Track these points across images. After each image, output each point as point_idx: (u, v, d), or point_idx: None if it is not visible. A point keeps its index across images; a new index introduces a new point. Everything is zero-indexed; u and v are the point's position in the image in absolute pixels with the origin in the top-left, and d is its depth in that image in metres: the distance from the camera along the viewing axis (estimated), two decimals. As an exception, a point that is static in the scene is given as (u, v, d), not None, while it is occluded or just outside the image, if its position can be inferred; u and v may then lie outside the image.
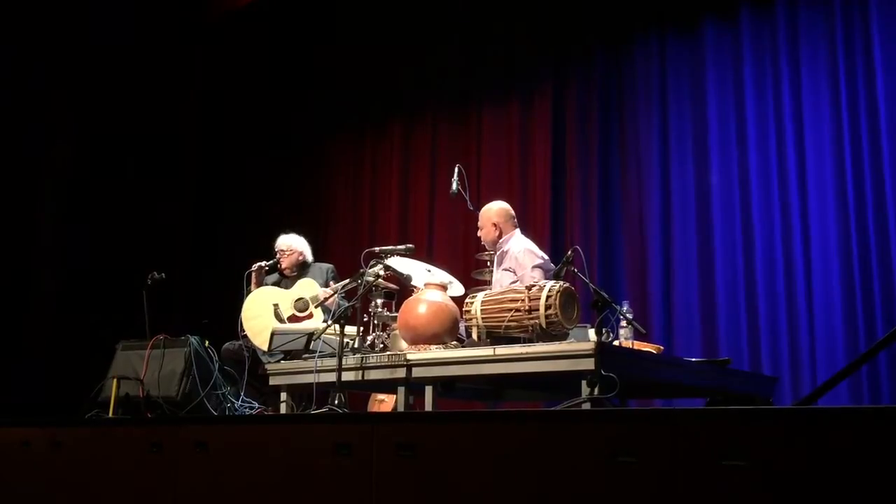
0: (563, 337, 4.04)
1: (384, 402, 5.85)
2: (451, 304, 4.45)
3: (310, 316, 5.45)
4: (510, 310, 4.07)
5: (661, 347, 4.62)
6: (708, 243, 6.21)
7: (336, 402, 4.04)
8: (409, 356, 4.14)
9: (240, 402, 5.01)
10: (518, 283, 4.60)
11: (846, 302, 5.58)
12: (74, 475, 4.23)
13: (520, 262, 4.79)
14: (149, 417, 4.80)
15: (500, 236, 4.98)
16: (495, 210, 5.03)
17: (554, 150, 7.04)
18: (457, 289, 4.94)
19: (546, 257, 4.88)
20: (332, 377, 4.14)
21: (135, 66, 8.46)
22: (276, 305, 5.45)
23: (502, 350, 3.89)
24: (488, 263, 4.93)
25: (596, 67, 6.98)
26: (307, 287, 5.56)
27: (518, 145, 7.29)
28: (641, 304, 6.19)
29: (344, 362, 4.16)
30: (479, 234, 5.06)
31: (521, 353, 3.82)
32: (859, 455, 2.07)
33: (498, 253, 4.99)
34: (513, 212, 5.07)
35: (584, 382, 3.54)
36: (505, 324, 4.07)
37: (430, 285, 4.56)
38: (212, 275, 8.06)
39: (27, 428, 4.71)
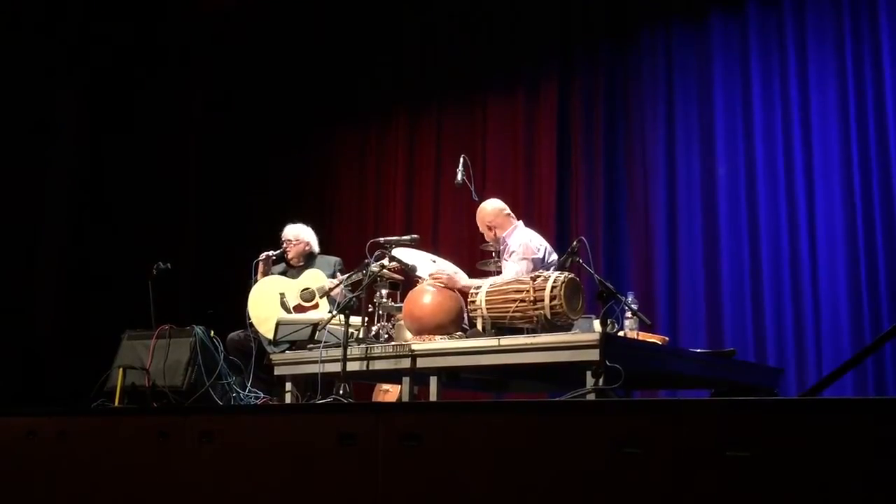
0: (567, 328, 4.04)
1: (389, 393, 5.86)
2: (456, 294, 4.46)
3: (315, 306, 5.45)
4: (515, 300, 4.08)
5: (666, 338, 4.62)
6: (713, 234, 6.20)
7: (341, 392, 4.04)
8: (413, 346, 4.15)
9: (245, 392, 5.02)
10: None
11: (852, 293, 5.56)
12: (80, 465, 4.24)
13: (511, 251, 4.77)
14: (154, 407, 4.81)
15: (496, 235, 4.94)
16: (488, 211, 4.95)
17: (559, 142, 7.02)
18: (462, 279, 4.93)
19: (539, 252, 4.75)
20: (337, 367, 4.15)
21: (138, 59, 8.46)
22: (282, 294, 5.45)
23: (507, 341, 3.90)
24: (493, 254, 4.93)
25: (602, 58, 6.95)
26: (314, 277, 5.56)
27: (523, 136, 7.27)
28: (646, 295, 6.17)
29: (349, 352, 4.16)
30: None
31: (526, 344, 3.82)
32: (864, 446, 2.07)
33: (501, 247, 4.98)
34: (504, 206, 4.96)
35: (588, 373, 3.55)
36: (510, 314, 4.08)
37: (435, 275, 4.57)
38: (217, 265, 8.07)
39: (33, 418, 4.73)
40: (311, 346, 4.53)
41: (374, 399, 5.94)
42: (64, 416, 4.60)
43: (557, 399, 3.73)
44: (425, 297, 4.38)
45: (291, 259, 5.85)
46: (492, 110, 7.55)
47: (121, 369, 5.01)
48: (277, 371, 4.72)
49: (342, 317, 4.26)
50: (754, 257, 6.01)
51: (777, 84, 6.10)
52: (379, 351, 4.28)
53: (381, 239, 4.79)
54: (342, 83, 8.46)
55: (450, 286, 4.43)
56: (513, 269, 4.59)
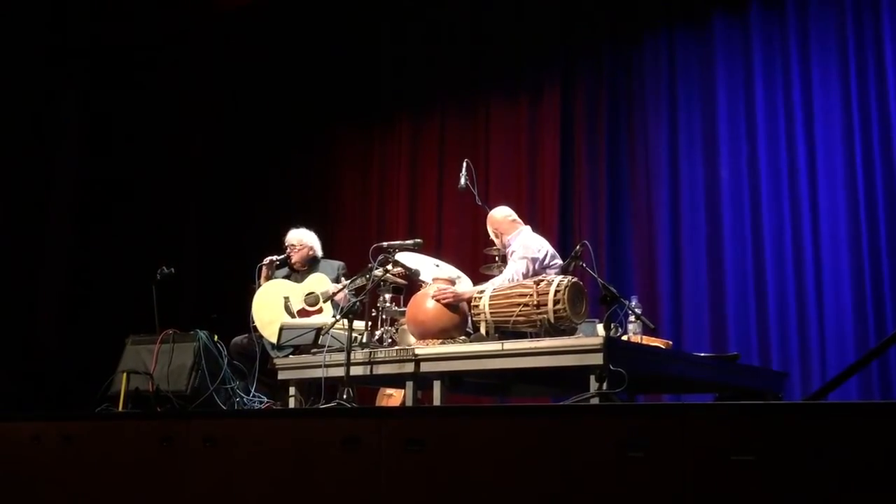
0: (571, 332, 4.04)
1: (392, 397, 5.85)
2: (460, 298, 4.45)
3: (319, 311, 5.45)
4: (518, 304, 4.08)
5: (670, 342, 4.62)
6: (717, 238, 6.19)
7: (344, 396, 4.04)
8: (417, 351, 4.15)
9: (249, 397, 5.03)
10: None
11: (856, 297, 5.55)
12: (84, 469, 4.24)
13: (512, 251, 4.76)
14: (158, 411, 4.81)
15: (503, 241, 4.94)
16: (495, 219, 4.94)
17: (562, 145, 7.02)
18: (465, 283, 4.93)
19: (540, 253, 4.69)
20: (340, 372, 4.15)
21: (139, 59, 8.48)
22: (286, 299, 5.45)
23: (510, 345, 3.90)
24: (496, 259, 4.92)
25: (605, 61, 6.95)
26: (318, 282, 5.56)
27: (526, 139, 7.27)
28: (650, 298, 6.16)
29: (352, 357, 4.16)
30: None
31: (530, 348, 3.82)
32: (869, 450, 2.07)
33: (507, 250, 4.99)
34: (510, 213, 4.95)
35: (592, 377, 3.55)
36: (513, 318, 4.08)
37: (439, 280, 4.57)
38: (220, 270, 8.08)
39: (37, 422, 4.74)
40: (315, 350, 4.53)
41: (377, 403, 5.94)
42: (68, 420, 4.60)
43: (561, 403, 3.72)
44: (429, 302, 4.37)
45: (295, 263, 5.86)
46: (495, 114, 7.55)
47: (125, 374, 5.02)
48: (281, 375, 4.72)
49: (346, 321, 4.26)
50: (758, 261, 6.00)
51: (780, 86, 6.09)
52: (382, 355, 4.28)
53: (385, 243, 4.78)
54: (345, 86, 8.47)
55: (456, 303, 4.40)
56: (512, 267, 4.59)
